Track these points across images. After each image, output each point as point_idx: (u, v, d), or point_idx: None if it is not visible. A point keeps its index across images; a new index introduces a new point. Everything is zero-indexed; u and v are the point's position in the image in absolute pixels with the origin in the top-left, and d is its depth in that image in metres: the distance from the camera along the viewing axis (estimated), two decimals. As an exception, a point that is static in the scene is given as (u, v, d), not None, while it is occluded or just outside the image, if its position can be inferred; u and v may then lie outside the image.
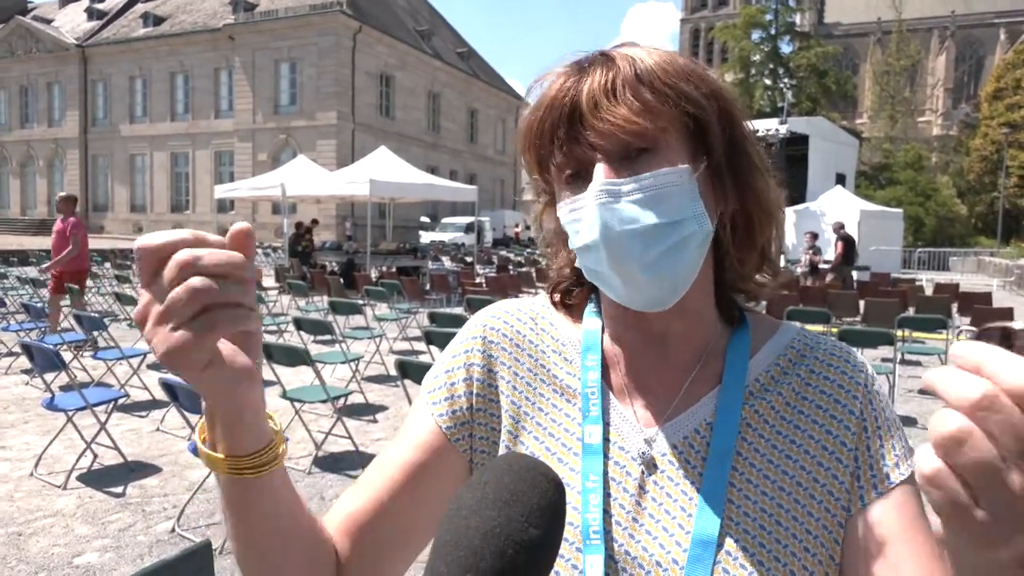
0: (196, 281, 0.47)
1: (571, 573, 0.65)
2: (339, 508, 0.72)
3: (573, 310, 0.80)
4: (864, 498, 0.64)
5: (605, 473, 0.68)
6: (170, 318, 0.47)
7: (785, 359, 0.71)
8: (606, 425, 0.71)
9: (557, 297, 0.81)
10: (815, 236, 14.28)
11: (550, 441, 0.72)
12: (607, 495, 0.68)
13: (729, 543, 0.63)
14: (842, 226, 14.10)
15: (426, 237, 31.80)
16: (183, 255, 0.47)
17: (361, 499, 0.71)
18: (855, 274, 15.70)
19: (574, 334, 0.77)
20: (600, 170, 0.64)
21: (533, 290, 12.95)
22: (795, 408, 0.68)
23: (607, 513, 0.67)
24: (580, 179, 0.67)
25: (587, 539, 0.65)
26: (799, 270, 13.91)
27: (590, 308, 0.78)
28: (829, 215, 19.89)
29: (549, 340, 0.77)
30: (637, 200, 0.63)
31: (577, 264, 0.70)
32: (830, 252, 14.19)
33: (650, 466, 0.68)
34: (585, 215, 0.65)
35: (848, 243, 13.76)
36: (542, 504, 0.45)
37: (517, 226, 41.44)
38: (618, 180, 0.64)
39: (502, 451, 0.73)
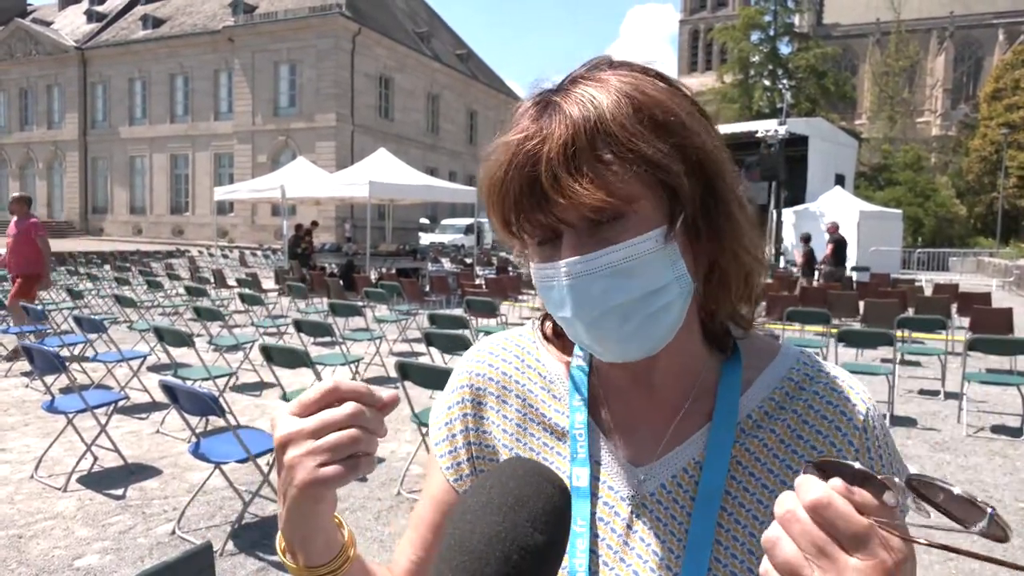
0: (357, 432, 0.54)
1: None
2: (393, 570, 0.77)
3: (563, 340, 0.77)
4: None
5: (593, 515, 0.68)
6: (325, 453, 0.53)
7: (781, 392, 0.69)
8: (595, 464, 0.70)
9: (548, 328, 0.79)
10: (808, 239, 14.40)
11: None
12: (594, 536, 0.67)
13: None
14: (837, 228, 14.15)
15: (425, 239, 31.77)
16: (354, 407, 0.55)
17: (404, 559, 0.77)
18: (855, 275, 15.77)
19: (562, 370, 0.76)
20: (567, 243, 0.61)
21: (532, 291, 12.91)
22: (789, 447, 0.66)
23: (594, 553, 0.67)
24: (549, 243, 0.64)
25: None
26: (796, 271, 14.01)
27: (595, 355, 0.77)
28: (828, 216, 19.87)
29: (536, 378, 0.76)
30: (610, 275, 0.60)
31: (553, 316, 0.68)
32: (819, 254, 14.33)
33: (638, 506, 0.67)
34: (556, 287, 0.63)
35: (838, 245, 13.83)
36: (547, 509, 0.44)
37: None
38: (587, 256, 0.60)
39: None
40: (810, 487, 0.43)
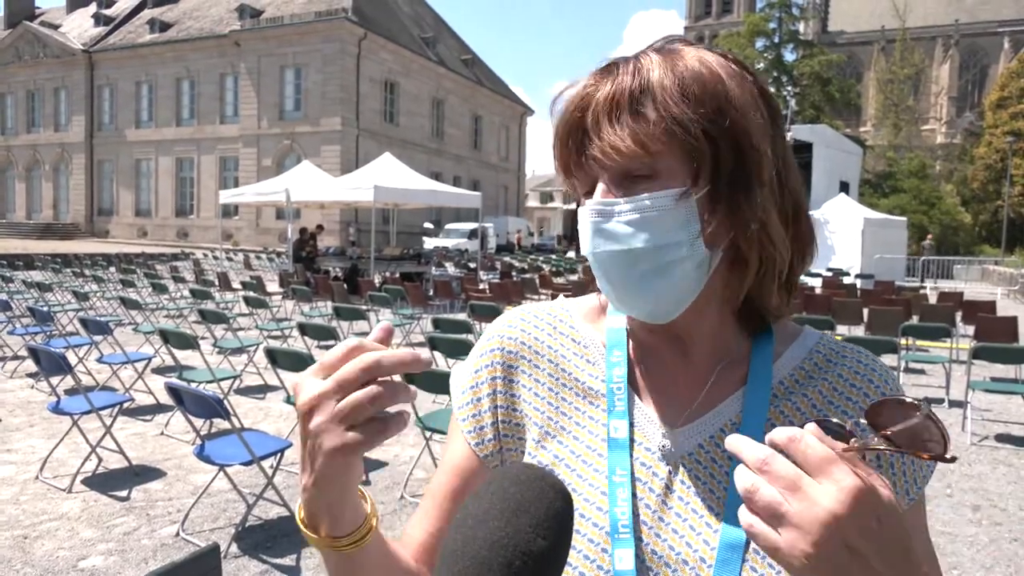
0: (378, 389, 0.52)
1: (597, 575, 0.65)
2: (404, 543, 0.75)
3: (599, 311, 0.81)
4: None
5: (631, 469, 0.69)
6: (349, 419, 0.52)
7: (811, 363, 0.72)
8: (631, 425, 0.71)
9: (584, 300, 0.82)
10: None
11: (574, 444, 0.72)
12: (633, 494, 0.68)
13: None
14: None
15: (430, 243, 31.82)
16: (367, 361, 0.52)
17: (419, 531, 0.76)
18: (859, 282, 16.00)
19: (597, 335, 0.77)
20: (599, 188, 0.66)
21: (536, 296, 12.94)
22: (822, 412, 0.69)
23: (633, 512, 0.67)
24: (592, 194, 0.68)
25: (616, 533, 0.65)
26: None
27: (613, 306, 0.78)
28: (833, 223, 19.90)
29: (569, 343, 0.78)
30: (627, 222, 0.64)
31: None
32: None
33: (676, 466, 0.68)
34: (582, 229, 0.68)
35: None
36: (549, 514, 0.45)
37: (519, 232, 41.49)
38: (611, 200, 0.65)
39: (527, 460, 0.73)
40: (779, 430, 0.47)
